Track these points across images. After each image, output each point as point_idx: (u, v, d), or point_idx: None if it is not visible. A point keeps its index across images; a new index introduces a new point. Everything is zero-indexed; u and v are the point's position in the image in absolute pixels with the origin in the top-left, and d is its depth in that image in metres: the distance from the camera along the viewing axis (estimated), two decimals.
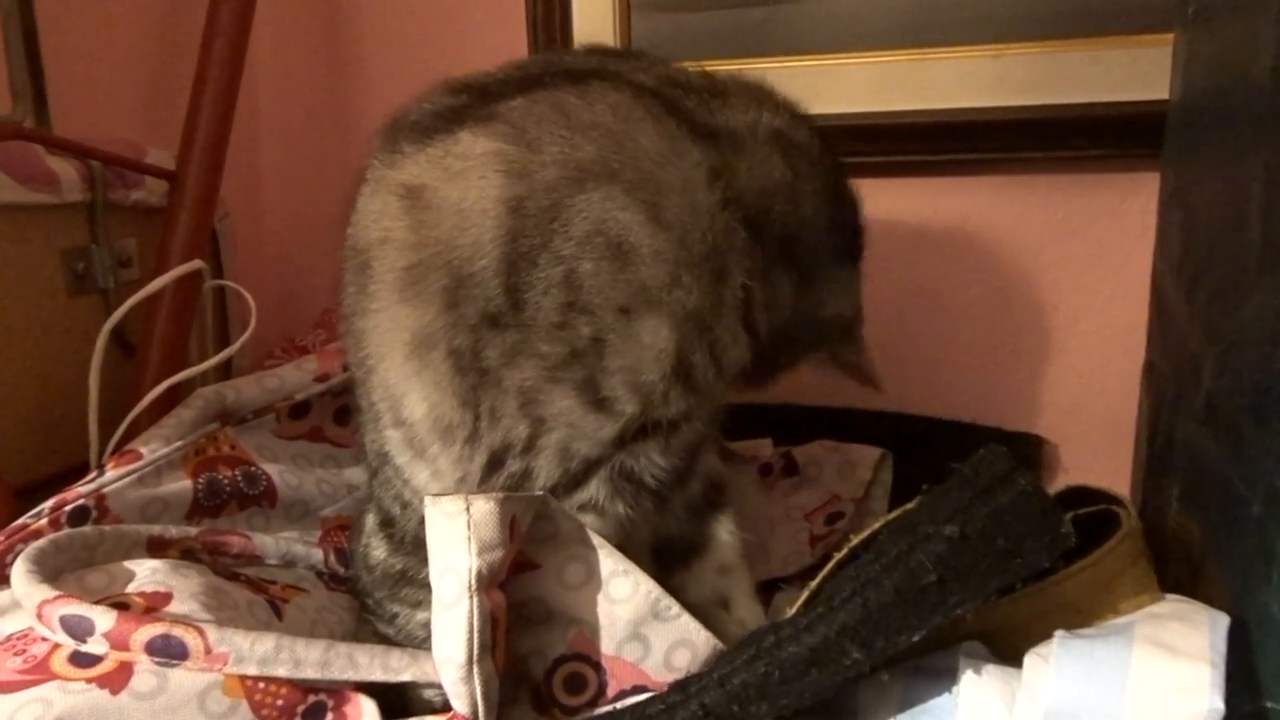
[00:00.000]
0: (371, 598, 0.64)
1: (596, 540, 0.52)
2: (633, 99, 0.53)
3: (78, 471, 0.66)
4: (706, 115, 0.55)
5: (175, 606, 0.53)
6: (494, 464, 0.53)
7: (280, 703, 0.49)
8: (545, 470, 0.53)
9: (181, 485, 0.66)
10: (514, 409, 0.52)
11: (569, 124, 0.52)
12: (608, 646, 0.52)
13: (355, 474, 0.77)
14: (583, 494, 0.54)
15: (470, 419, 0.53)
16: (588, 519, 0.54)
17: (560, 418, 0.52)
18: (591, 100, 0.53)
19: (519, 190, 0.50)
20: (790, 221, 0.56)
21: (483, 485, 0.53)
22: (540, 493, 0.52)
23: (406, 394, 0.54)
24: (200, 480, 0.67)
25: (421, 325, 0.52)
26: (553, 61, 0.60)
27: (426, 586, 0.52)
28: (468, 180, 0.51)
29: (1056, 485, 0.61)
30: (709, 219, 0.52)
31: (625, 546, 0.54)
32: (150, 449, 0.66)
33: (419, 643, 0.59)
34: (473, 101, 0.55)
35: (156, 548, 0.61)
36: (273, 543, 0.66)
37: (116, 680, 0.48)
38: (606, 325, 0.51)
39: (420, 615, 0.60)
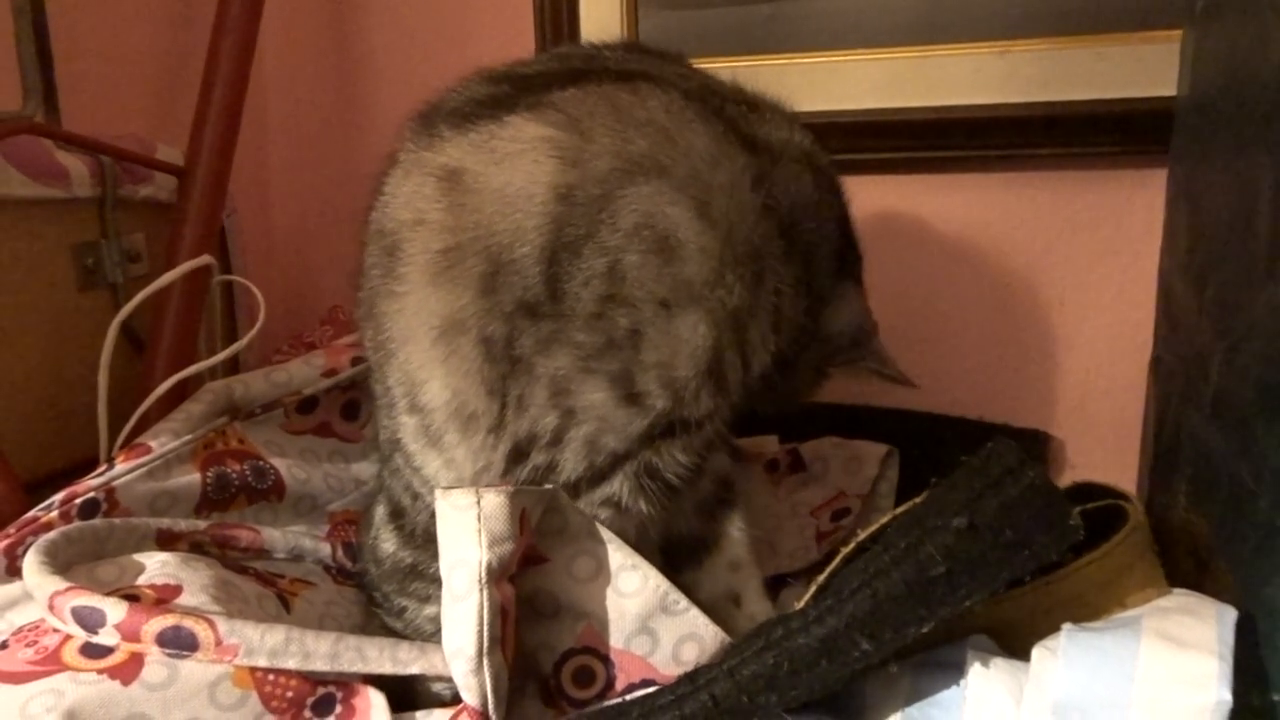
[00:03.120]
0: (380, 591, 0.64)
1: (606, 534, 0.53)
2: (682, 100, 0.54)
3: (87, 465, 0.66)
4: (747, 126, 0.55)
5: (185, 599, 0.53)
6: (518, 455, 0.53)
7: (290, 694, 0.50)
8: (570, 464, 0.53)
9: (190, 479, 0.66)
10: (544, 399, 0.52)
11: (621, 118, 0.52)
12: (616, 640, 0.52)
13: (363, 469, 0.77)
14: (606, 489, 0.54)
15: (496, 408, 0.52)
16: (608, 515, 0.54)
17: (591, 410, 0.52)
18: (643, 97, 0.53)
19: (570, 178, 0.50)
20: (814, 237, 0.57)
21: (505, 477, 0.53)
22: (550, 486, 0.53)
23: (428, 380, 0.53)
24: (209, 474, 0.68)
25: (453, 310, 0.51)
26: (594, 57, 0.60)
27: (436, 581, 0.52)
28: (516, 164, 0.51)
29: (1063, 481, 0.60)
30: (754, 221, 0.52)
31: (637, 544, 0.54)
32: (159, 443, 0.66)
33: (427, 637, 0.59)
34: (515, 91, 0.55)
35: (166, 541, 0.61)
36: (281, 537, 0.67)
37: (127, 671, 0.48)
38: (646, 319, 0.50)
39: (428, 610, 0.60)
